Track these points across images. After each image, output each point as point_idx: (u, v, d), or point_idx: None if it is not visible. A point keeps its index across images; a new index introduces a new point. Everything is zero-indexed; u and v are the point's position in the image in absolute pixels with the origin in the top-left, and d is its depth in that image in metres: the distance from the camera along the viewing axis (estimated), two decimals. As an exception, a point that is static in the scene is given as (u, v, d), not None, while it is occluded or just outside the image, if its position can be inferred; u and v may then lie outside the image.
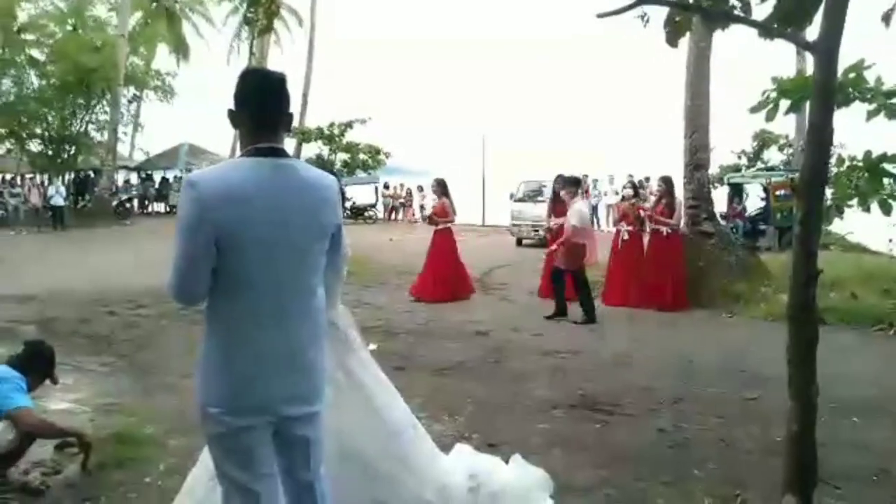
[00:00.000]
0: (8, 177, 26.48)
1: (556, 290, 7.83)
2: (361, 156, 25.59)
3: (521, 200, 16.80)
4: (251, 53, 27.20)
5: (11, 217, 19.82)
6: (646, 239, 8.97)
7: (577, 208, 7.73)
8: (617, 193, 18.16)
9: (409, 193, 25.93)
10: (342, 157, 25.68)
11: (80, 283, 9.63)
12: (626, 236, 8.87)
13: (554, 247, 7.99)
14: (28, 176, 25.72)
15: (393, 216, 25.47)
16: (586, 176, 20.91)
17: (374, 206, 24.76)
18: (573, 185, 8.13)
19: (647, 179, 17.98)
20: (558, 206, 8.98)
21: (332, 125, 25.40)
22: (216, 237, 1.74)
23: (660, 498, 3.18)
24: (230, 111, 1.93)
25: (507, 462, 3.21)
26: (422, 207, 25.77)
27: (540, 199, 15.50)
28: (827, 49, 1.88)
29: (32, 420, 2.94)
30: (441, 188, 9.31)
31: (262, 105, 1.90)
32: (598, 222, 19.85)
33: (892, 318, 7.65)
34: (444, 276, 9.01)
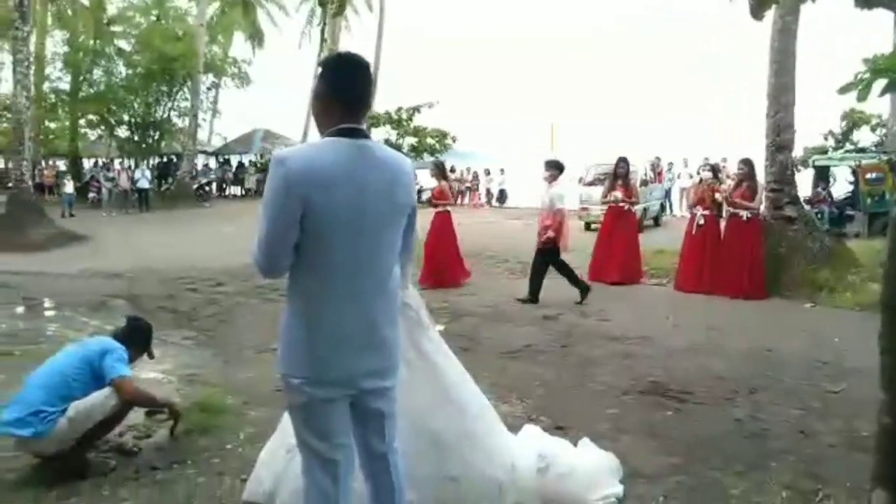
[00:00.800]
0: (101, 161, 28.25)
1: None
2: (428, 140, 25.68)
3: (590, 184, 16.44)
4: (323, 39, 27.69)
5: (104, 199, 21.09)
6: (723, 224, 8.65)
7: (557, 192, 7.69)
8: (691, 177, 17.51)
9: (476, 177, 25.89)
10: (409, 141, 25.86)
11: (164, 262, 10.19)
12: (701, 221, 8.56)
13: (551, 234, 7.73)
14: (116, 160, 27.33)
15: (459, 200, 25.51)
16: (659, 159, 20.28)
17: (441, 189, 24.83)
18: (555, 168, 7.83)
19: (725, 160, 17.24)
20: (618, 188, 9.23)
21: (399, 110, 25.60)
22: (301, 213, 1.80)
23: (734, 488, 3.08)
24: (316, 94, 1.99)
25: (575, 445, 3.21)
26: (488, 192, 25.75)
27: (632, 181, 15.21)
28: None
29: (133, 389, 3.15)
30: (439, 171, 9.44)
31: (354, 90, 1.96)
32: (671, 206, 19.25)
33: None
34: (436, 262, 8.77)
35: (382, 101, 25.61)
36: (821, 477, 3.20)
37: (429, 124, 25.89)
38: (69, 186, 20.76)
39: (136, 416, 3.53)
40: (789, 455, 3.48)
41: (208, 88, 28.40)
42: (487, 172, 26.22)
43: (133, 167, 24.96)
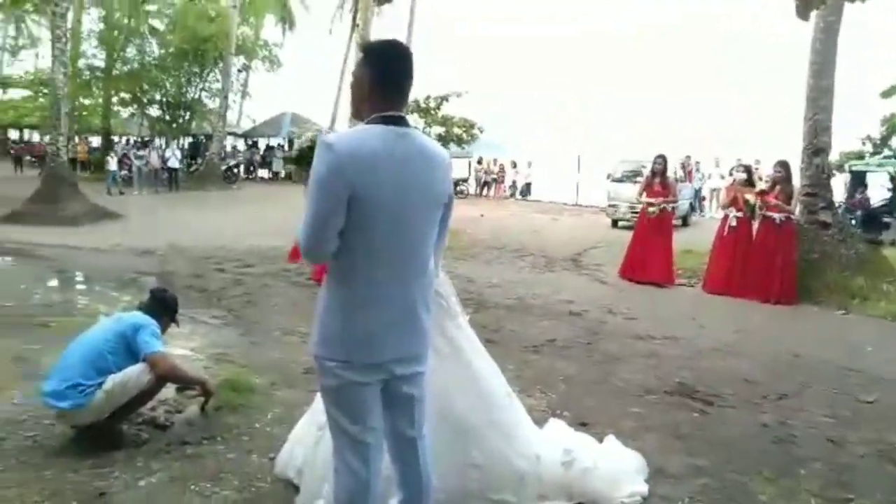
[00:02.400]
0: (132, 140, 28.67)
1: None
2: (455, 129, 25.61)
3: (618, 181, 16.28)
4: (355, 24, 27.70)
5: (136, 178, 21.38)
6: (755, 226, 8.51)
7: None
8: (722, 177, 17.25)
9: (502, 169, 25.78)
10: (437, 130, 25.81)
11: (193, 241, 10.34)
12: (734, 222, 8.42)
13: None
14: (146, 139, 27.69)
15: (485, 191, 25.44)
16: (689, 158, 19.98)
17: (466, 180, 24.80)
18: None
19: (758, 162, 16.93)
20: (656, 186, 8.96)
21: (427, 98, 25.54)
22: (348, 197, 1.82)
23: (762, 493, 3.05)
24: (359, 80, 1.99)
25: (599, 442, 3.20)
26: (513, 184, 25.62)
27: (639, 179, 15.01)
28: None
29: (168, 365, 3.21)
30: None
31: (399, 77, 1.97)
32: (699, 207, 18.98)
33: None
34: None
35: (414, 88, 25.59)
36: (851, 487, 3.15)
37: (457, 114, 25.83)
38: (112, 163, 20.10)
39: (168, 391, 3.59)
40: (818, 463, 3.43)
41: (239, 70, 28.61)
42: (514, 165, 26.09)
43: (164, 146, 25.28)
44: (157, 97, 26.73)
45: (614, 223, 15.72)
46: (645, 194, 9.06)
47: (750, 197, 8.43)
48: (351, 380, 1.93)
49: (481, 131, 26.39)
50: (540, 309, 6.98)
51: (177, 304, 3.60)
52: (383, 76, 1.96)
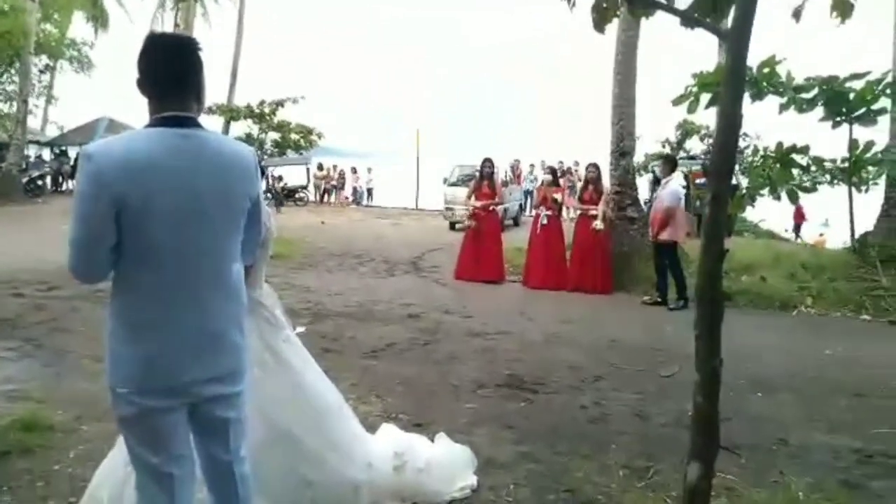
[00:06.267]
0: None
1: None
2: (293, 136, 24.96)
3: (454, 185, 16.86)
4: (176, 25, 25.94)
5: None
6: (566, 224, 9.31)
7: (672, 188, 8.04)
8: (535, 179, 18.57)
9: (342, 175, 25.56)
10: (273, 136, 24.98)
11: (-17, 264, 9.00)
12: (545, 220, 9.14)
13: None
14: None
15: (325, 198, 25.06)
16: (518, 161, 21.24)
17: (305, 187, 24.25)
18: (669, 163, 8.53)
19: (577, 164, 18.38)
20: (484, 188, 9.45)
21: (262, 103, 24.63)
22: (116, 212, 1.65)
23: (579, 471, 3.29)
24: (137, 80, 1.82)
25: (432, 441, 3.27)
26: (354, 190, 25.51)
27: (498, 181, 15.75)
28: (736, 36, 1.96)
29: None
30: None
31: (166, 70, 1.79)
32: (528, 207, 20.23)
33: (796, 300, 8.19)
34: None
35: (247, 93, 24.53)
36: (653, 455, 3.50)
37: (294, 119, 25.20)
38: None
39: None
40: (626, 436, 3.79)
41: (41, 71, 25.55)
42: (354, 171, 26.00)
43: (-55, 157, 21.80)
44: (-67, 100, 23.04)
45: (452, 226, 16.25)
46: (474, 197, 9.49)
47: (557, 196, 9.18)
48: (145, 406, 1.76)
49: (320, 137, 25.97)
50: (380, 314, 7.00)
51: None
52: (154, 72, 1.79)
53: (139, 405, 1.76)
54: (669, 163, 8.53)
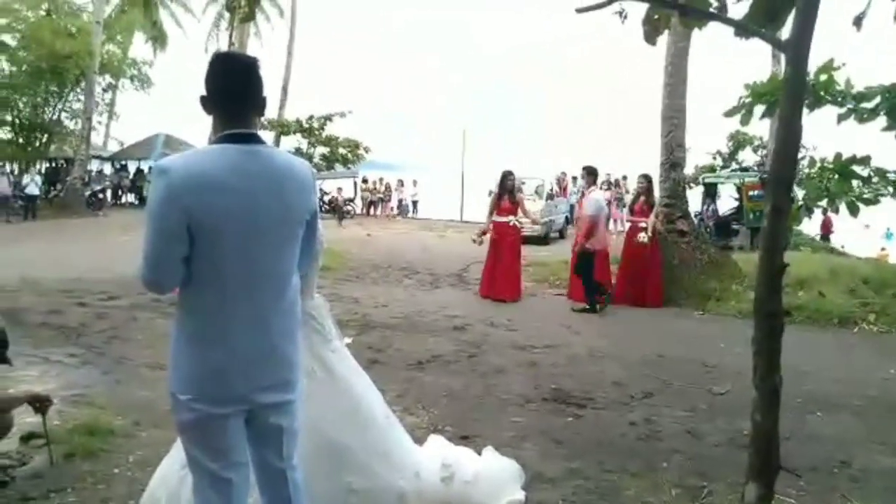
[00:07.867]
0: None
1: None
2: (341, 150, 25.41)
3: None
4: (230, 44, 26.82)
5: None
6: (612, 237, 9.14)
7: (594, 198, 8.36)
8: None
9: (388, 188, 25.86)
10: (321, 150, 25.47)
11: (50, 274, 9.43)
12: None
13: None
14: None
15: (371, 211, 25.38)
16: (565, 174, 21.05)
17: (352, 200, 24.63)
18: (590, 174, 8.75)
19: (625, 178, 18.13)
20: (504, 203, 8.87)
21: (311, 118, 25.17)
22: (188, 225, 1.72)
23: (629, 489, 3.23)
24: (202, 97, 1.90)
25: (479, 454, 3.25)
26: (400, 203, 25.76)
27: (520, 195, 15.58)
28: (797, 46, 1.92)
29: None
30: None
31: (231, 89, 1.87)
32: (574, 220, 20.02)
33: (857, 316, 7.85)
34: None
35: (297, 108, 25.11)
36: (706, 474, 3.40)
37: (342, 133, 25.67)
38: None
39: (10, 442, 3.24)
40: (678, 455, 3.69)
41: (104, 90, 26.75)
42: (401, 184, 26.26)
43: (17, 172, 23.00)
44: (8, 118, 24.33)
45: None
46: (495, 213, 8.92)
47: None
48: (206, 412, 1.82)
49: (367, 151, 26.36)
50: (425, 326, 7.03)
51: (4, 337, 3.19)
52: (221, 91, 1.87)
53: (199, 411, 1.82)
54: (591, 174, 8.80)
